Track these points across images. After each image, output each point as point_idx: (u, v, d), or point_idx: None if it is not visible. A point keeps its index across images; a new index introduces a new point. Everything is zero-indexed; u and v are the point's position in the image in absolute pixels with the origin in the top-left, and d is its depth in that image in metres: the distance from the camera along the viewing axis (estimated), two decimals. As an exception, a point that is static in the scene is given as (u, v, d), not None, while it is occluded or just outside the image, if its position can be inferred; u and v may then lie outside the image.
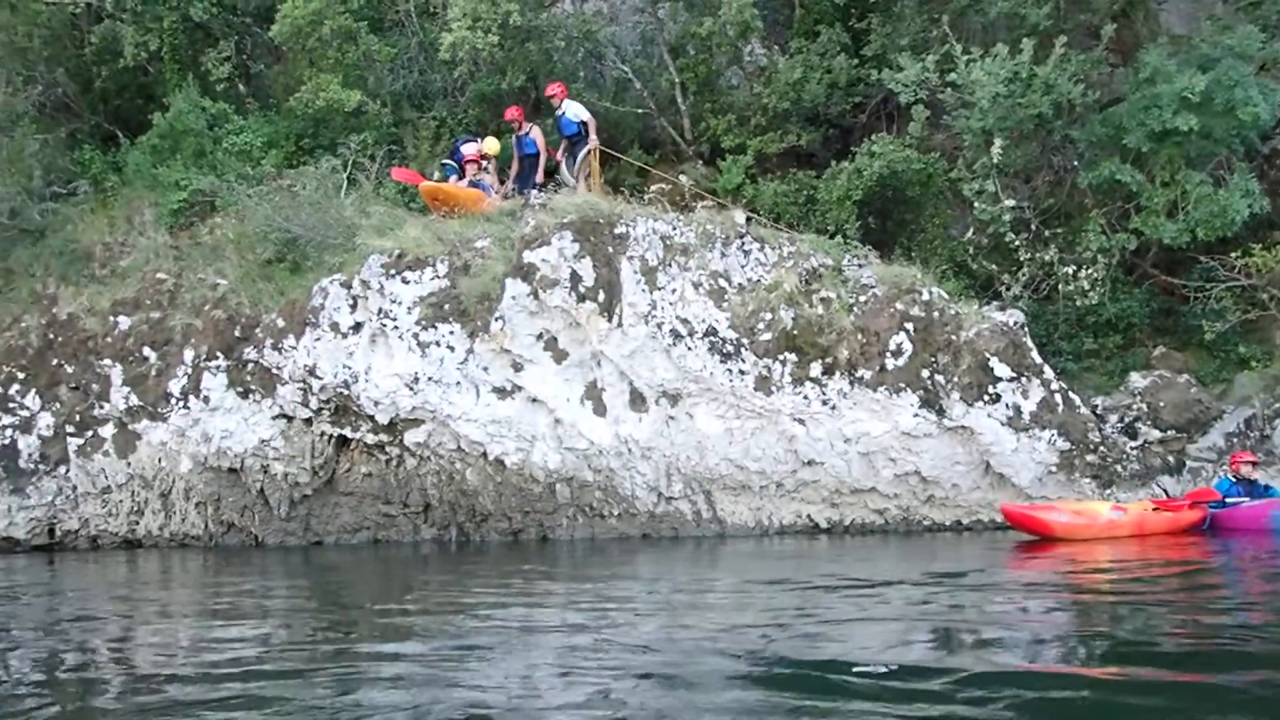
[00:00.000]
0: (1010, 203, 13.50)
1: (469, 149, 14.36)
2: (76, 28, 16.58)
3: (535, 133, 14.78)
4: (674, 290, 12.77)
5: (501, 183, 14.90)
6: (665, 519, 13.29)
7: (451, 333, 12.81)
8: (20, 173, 14.60)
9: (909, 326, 12.72)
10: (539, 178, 14.66)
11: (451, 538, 13.65)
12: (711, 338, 12.68)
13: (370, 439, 13.40)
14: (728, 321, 12.75)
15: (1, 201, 14.54)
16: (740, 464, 12.92)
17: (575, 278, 12.54)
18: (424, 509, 13.69)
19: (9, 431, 14.07)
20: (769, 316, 12.73)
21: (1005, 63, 13.00)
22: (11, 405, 14.13)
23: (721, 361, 12.65)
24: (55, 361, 14.19)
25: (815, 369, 12.66)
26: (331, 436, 13.55)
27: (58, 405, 14.08)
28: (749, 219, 13.79)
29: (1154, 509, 11.78)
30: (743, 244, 13.17)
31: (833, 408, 12.65)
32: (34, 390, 14.16)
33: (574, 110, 14.51)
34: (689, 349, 12.64)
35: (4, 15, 15.38)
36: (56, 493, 14.14)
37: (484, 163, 14.44)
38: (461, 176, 14.33)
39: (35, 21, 15.68)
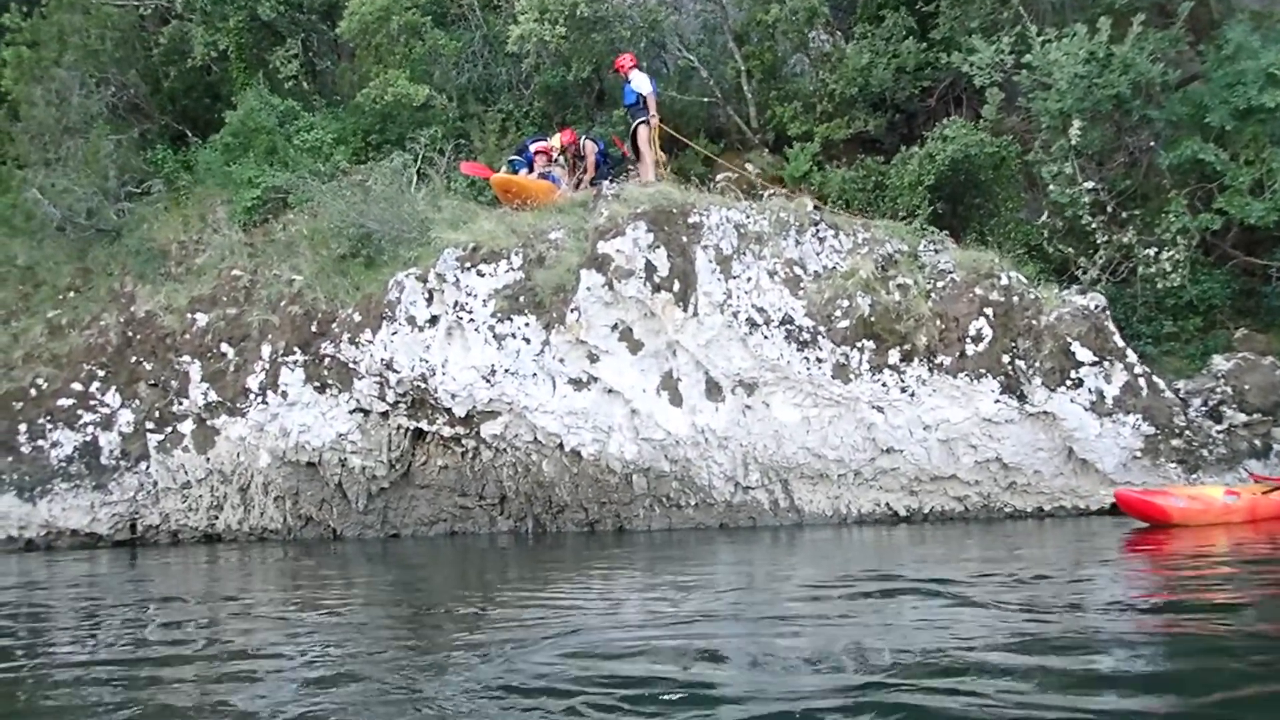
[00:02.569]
0: (1089, 185, 13.32)
1: (538, 145, 14.41)
2: (144, 30, 16.83)
3: (589, 147, 14.82)
4: (749, 279, 12.68)
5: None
6: (742, 509, 13.24)
7: (527, 324, 12.81)
8: (96, 173, 14.87)
9: (989, 311, 12.52)
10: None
11: (528, 529, 13.68)
12: (788, 326, 12.56)
13: (447, 431, 13.46)
14: (804, 309, 12.63)
15: (79, 202, 14.84)
16: (818, 452, 12.82)
17: (650, 268, 12.47)
18: (500, 501, 13.75)
19: (90, 429, 14.32)
20: (845, 304, 12.59)
21: (1084, 42, 12.81)
22: (92, 403, 14.39)
23: (798, 350, 12.54)
24: (134, 359, 14.43)
25: (894, 356, 12.52)
26: (408, 429, 13.63)
27: (137, 402, 14.30)
28: (817, 206, 13.67)
29: (1265, 492, 11.52)
30: (817, 231, 13.04)
31: (912, 395, 12.50)
32: (114, 388, 14.41)
33: (637, 81, 14.33)
34: (765, 337, 12.54)
35: (77, 19, 15.61)
36: (137, 488, 14.37)
37: (553, 155, 14.45)
38: (530, 170, 14.36)
39: (106, 25, 15.93)
